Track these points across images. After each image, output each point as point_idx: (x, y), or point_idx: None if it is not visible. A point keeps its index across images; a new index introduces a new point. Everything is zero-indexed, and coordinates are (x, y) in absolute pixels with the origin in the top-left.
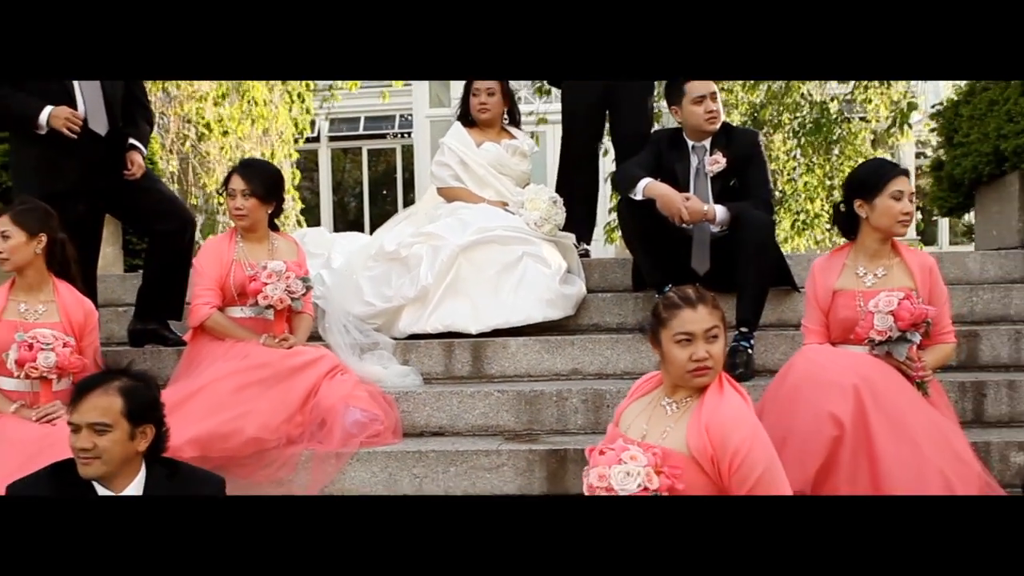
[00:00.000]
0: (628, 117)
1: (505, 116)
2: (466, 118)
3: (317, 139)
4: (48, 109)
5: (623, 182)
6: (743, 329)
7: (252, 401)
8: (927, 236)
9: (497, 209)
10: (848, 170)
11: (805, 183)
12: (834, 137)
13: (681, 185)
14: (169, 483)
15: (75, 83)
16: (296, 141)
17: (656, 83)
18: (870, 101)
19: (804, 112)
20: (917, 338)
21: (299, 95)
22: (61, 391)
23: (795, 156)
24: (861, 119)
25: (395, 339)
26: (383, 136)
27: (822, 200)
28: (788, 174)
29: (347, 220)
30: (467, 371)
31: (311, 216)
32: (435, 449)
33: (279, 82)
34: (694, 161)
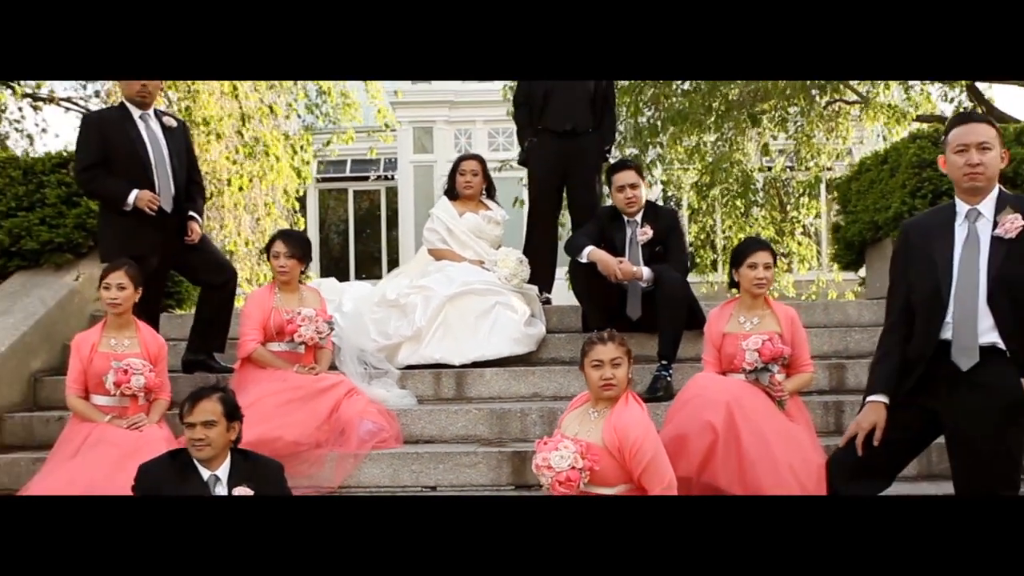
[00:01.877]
0: (581, 195)
1: (483, 191)
2: (452, 192)
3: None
4: (135, 192)
5: (572, 249)
6: (663, 362)
7: (290, 415)
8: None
9: (476, 267)
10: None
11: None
12: (758, 200)
13: (618, 251)
14: (245, 463)
15: (153, 171)
16: (297, 191)
17: (602, 166)
18: (812, 156)
19: (733, 182)
20: (775, 369)
21: (301, 146)
22: (142, 406)
23: (734, 217)
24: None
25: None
26: (367, 179)
27: None
28: (724, 232)
29: (331, 257)
30: (452, 394)
31: None
32: (428, 451)
33: (286, 139)
34: (628, 232)
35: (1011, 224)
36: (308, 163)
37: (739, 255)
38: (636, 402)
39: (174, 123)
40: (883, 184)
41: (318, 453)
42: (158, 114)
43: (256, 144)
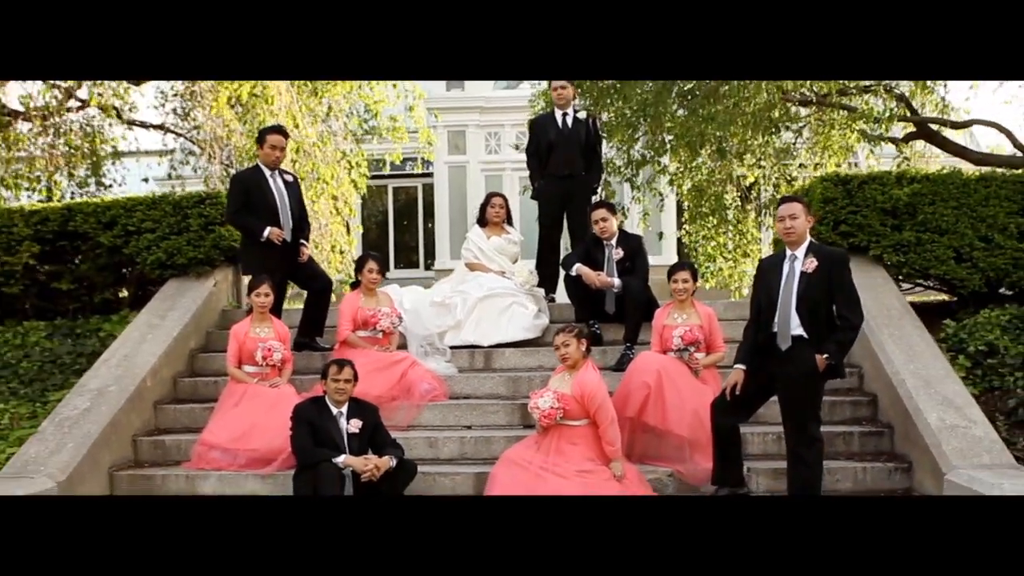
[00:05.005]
0: (576, 221)
1: (505, 219)
2: (482, 220)
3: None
4: (268, 228)
5: (566, 265)
6: (628, 344)
7: (374, 379)
8: None
9: (498, 276)
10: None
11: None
12: (727, 218)
13: (600, 266)
14: (356, 406)
15: (279, 214)
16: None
17: (592, 199)
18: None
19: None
20: (692, 349)
21: (356, 163)
22: (272, 373)
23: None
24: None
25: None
26: (407, 176)
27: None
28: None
29: (373, 247)
30: (481, 366)
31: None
32: (466, 404)
33: (344, 157)
34: (606, 253)
35: (809, 264)
36: (363, 175)
37: (669, 274)
38: (593, 369)
39: (291, 179)
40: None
41: (394, 404)
42: (281, 172)
43: (312, 171)
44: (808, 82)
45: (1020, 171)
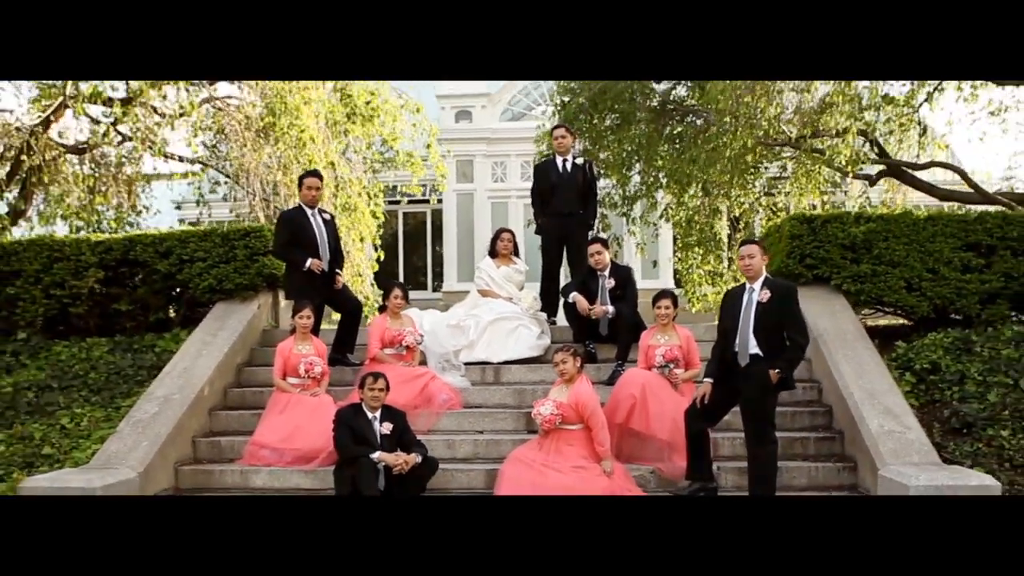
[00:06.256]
0: (574, 254)
1: (513, 251)
2: (492, 252)
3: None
4: (310, 260)
5: (564, 294)
6: (619, 362)
7: (402, 388)
8: None
9: (507, 302)
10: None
11: (699, 274)
12: (713, 248)
13: (594, 294)
14: (387, 411)
15: (319, 247)
16: (378, 229)
17: (588, 235)
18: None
19: (696, 233)
20: (672, 366)
21: (374, 194)
22: (312, 384)
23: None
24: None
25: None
26: (417, 202)
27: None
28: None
29: (384, 270)
30: (491, 380)
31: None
32: (478, 412)
33: (364, 188)
34: (600, 282)
35: (764, 295)
36: (378, 205)
37: (653, 301)
38: (587, 382)
39: (328, 217)
40: (773, 247)
41: (416, 412)
42: (320, 211)
43: (347, 203)
44: (783, 127)
45: (963, 211)
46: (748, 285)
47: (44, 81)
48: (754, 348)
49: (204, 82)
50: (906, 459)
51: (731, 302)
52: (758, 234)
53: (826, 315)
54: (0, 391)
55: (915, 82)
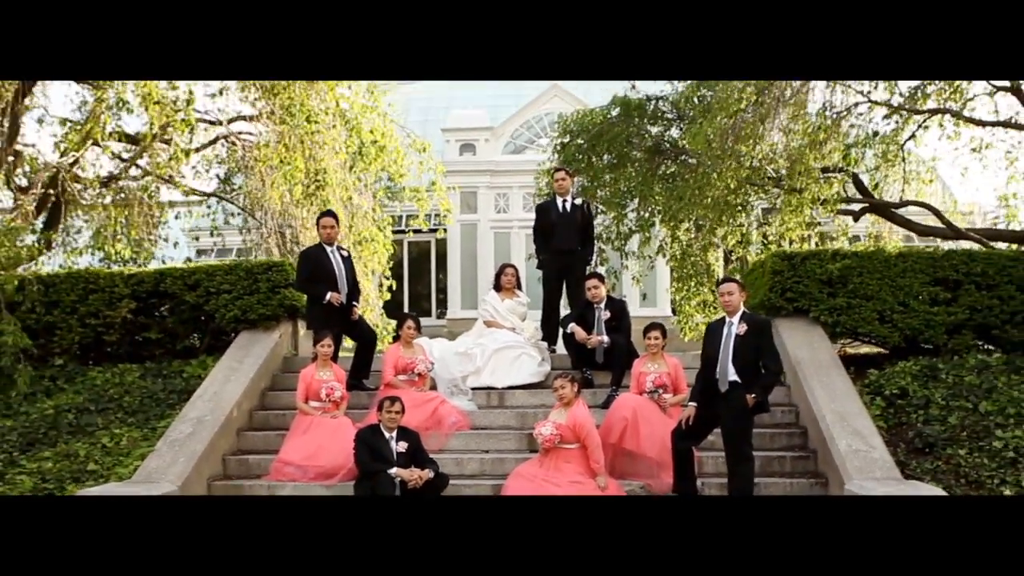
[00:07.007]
0: (573, 288)
1: (516, 285)
2: (497, 286)
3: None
4: (330, 293)
5: (564, 325)
6: (613, 387)
7: (415, 412)
8: None
9: (510, 332)
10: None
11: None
12: (703, 281)
13: (591, 325)
14: (403, 432)
15: (337, 281)
16: (388, 261)
17: (586, 270)
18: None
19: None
20: (661, 391)
21: (382, 227)
22: (332, 407)
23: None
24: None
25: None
26: (420, 231)
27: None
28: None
29: (390, 299)
30: (496, 403)
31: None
32: (484, 433)
33: (374, 222)
34: (597, 314)
35: (741, 328)
36: (389, 238)
37: (644, 331)
38: (584, 405)
39: (346, 253)
40: (756, 281)
41: (427, 433)
42: (338, 248)
43: (361, 236)
44: (767, 167)
45: (932, 249)
46: (728, 319)
47: (69, 120)
48: (733, 375)
49: (221, 119)
50: (870, 475)
51: (713, 334)
52: (748, 265)
53: (804, 345)
54: (43, 413)
55: (900, 119)
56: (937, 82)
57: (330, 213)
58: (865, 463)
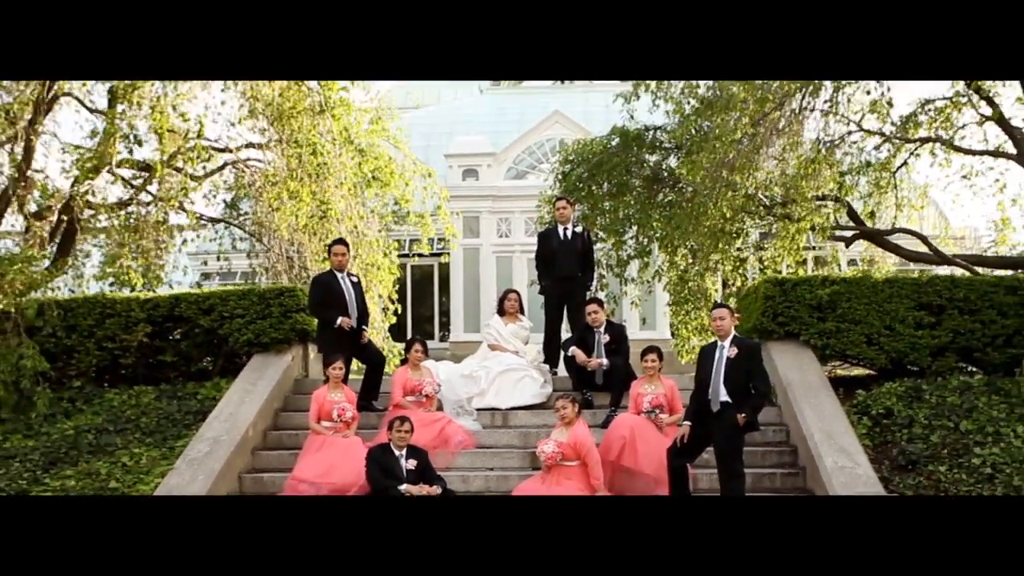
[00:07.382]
0: (573, 313)
1: (519, 310)
2: (500, 310)
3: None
4: (341, 318)
5: (564, 348)
6: (612, 407)
7: (422, 431)
8: None
9: (513, 355)
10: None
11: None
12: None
13: (591, 348)
14: (412, 450)
15: (348, 306)
16: (394, 285)
17: (587, 296)
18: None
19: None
20: (657, 411)
21: (387, 252)
22: (343, 427)
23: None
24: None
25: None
26: (423, 255)
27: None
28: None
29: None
30: (500, 423)
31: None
32: (489, 451)
33: (379, 246)
34: (596, 338)
35: (732, 352)
36: (394, 263)
37: (641, 354)
38: (584, 424)
39: (356, 280)
40: (750, 306)
41: (435, 451)
42: (348, 275)
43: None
44: (760, 194)
45: (917, 275)
46: (719, 343)
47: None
48: (724, 396)
49: (230, 147)
50: (854, 491)
51: (705, 357)
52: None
53: (795, 367)
54: (63, 433)
55: (892, 148)
56: (928, 111)
57: (341, 241)
58: (850, 479)
